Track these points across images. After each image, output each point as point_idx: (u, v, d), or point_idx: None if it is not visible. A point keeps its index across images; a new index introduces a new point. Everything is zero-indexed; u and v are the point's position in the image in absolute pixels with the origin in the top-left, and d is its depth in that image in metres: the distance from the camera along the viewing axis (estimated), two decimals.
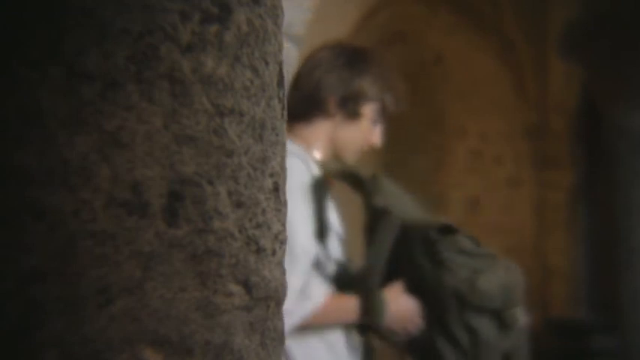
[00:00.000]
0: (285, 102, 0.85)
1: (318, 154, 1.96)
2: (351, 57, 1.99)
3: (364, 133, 1.99)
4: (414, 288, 1.80)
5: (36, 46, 0.70)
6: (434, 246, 1.76)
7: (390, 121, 2.05)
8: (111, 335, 0.69)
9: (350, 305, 1.83)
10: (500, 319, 1.72)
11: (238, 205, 0.75)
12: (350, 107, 1.95)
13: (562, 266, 6.28)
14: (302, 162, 1.87)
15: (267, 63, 0.79)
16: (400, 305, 1.81)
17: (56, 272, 0.68)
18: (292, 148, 1.83)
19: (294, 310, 1.69)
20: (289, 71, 1.88)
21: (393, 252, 1.81)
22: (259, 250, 0.77)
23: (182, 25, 0.72)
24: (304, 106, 1.96)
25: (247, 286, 0.75)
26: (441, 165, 6.57)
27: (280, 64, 0.83)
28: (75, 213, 0.69)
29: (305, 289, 1.77)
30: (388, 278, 1.82)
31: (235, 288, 0.74)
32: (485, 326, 1.72)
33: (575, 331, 5.64)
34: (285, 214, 0.83)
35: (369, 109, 1.97)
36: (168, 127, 0.71)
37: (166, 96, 0.71)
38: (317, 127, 1.96)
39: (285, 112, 0.85)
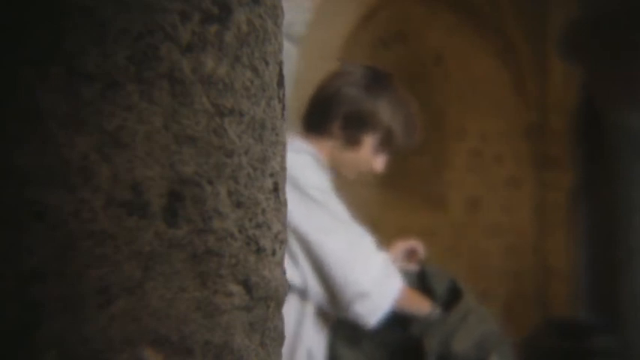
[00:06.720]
0: (285, 102, 0.85)
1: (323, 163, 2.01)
2: (372, 79, 1.98)
3: (362, 160, 1.98)
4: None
5: (36, 46, 0.70)
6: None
7: (396, 153, 2.04)
8: (111, 335, 0.69)
9: (423, 299, 1.94)
10: None
11: (238, 205, 0.75)
12: (350, 133, 1.95)
13: (562, 266, 6.28)
14: (315, 161, 1.95)
15: (267, 63, 0.79)
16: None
17: (56, 272, 0.68)
18: (307, 148, 1.94)
19: (383, 291, 1.84)
20: (289, 71, 1.88)
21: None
22: (259, 250, 0.77)
23: (182, 25, 0.72)
24: (317, 117, 1.99)
25: (247, 286, 0.75)
26: (441, 165, 6.56)
27: (280, 64, 0.83)
28: (75, 213, 0.69)
29: (386, 267, 1.89)
30: None
31: (235, 288, 0.74)
32: None
33: (575, 331, 5.64)
34: (285, 214, 0.83)
35: (371, 138, 1.96)
36: (169, 127, 0.71)
37: (166, 96, 0.71)
38: (323, 141, 1.98)
39: (286, 112, 0.85)
